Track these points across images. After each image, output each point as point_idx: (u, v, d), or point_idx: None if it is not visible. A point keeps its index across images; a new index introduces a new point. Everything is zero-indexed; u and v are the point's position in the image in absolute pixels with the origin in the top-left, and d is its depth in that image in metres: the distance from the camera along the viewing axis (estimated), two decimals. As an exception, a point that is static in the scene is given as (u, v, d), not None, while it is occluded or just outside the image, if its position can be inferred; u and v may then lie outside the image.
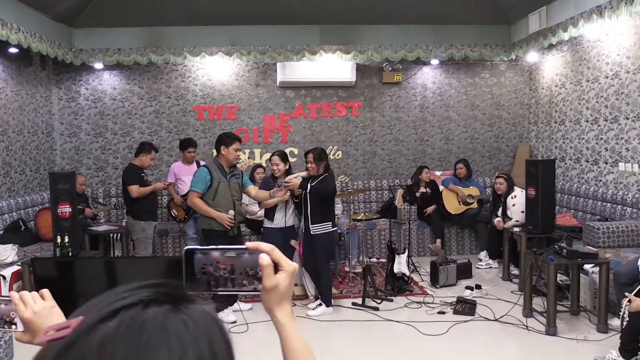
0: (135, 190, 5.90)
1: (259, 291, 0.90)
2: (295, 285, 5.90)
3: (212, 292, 0.91)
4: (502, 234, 6.48)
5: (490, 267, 6.92)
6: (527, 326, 4.83)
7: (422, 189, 7.34)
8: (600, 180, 6.71)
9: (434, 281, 6.20)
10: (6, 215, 6.23)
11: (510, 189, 6.56)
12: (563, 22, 6.41)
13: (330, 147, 8.48)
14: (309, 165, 5.24)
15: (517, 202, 6.36)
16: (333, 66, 8.05)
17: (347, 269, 6.67)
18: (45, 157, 7.75)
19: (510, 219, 6.42)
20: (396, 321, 5.11)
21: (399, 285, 5.94)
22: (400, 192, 6.41)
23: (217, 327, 0.59)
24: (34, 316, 1.10)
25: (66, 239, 4.60)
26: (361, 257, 7.09)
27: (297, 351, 0.92)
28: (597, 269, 4.87)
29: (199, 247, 0.90)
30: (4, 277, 4.61)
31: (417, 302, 5.61)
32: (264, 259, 0.87)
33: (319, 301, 5.37)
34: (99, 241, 6.67)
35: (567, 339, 4.57)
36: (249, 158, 8.26)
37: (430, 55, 7.88)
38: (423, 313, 5.33)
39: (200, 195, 4.99)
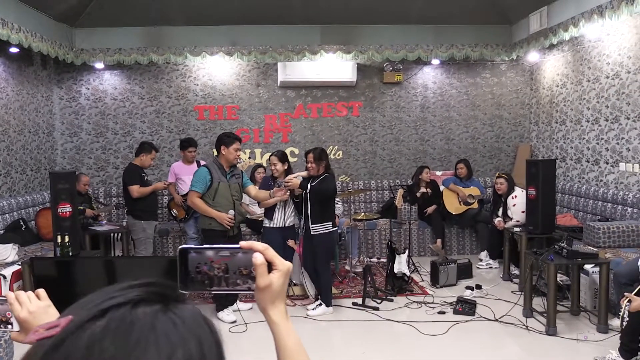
0: (135, 190, 5.91)
1: (252, 290, 0.90)
2: (295, 285, 5.91)
3: (206, 291, 0.91)
4: (503, 234, 6.48)
5: (491, 267, 6.91)
6: (527, 326, 4.82)
7: (423, 189, 7.33)
8: (601, 180, 6.71)
9: (435, 281, 6.20)
10: (7, 214, 6.23)
11: (510, 189, 6.55)
12: (564, 22, 6.40)
13: (331, 147, 8.48)
14: (309, 165, 5.24)
15: (517, 202, 6.35)
16: (334, 66, 8.04)
17: (347, 268, 6.67)
18: (46, 156, 7.76)
19: (511, 219, 6.42)
20: (396, 321, 5.11)
21: (399, 285, 5.94)
22: (400, 192, 6.41)
23: (207, 327, 0.59)
24: (30, 316, 1.11)
25: (66, 239, 4.60)
26: (361, 257, 7.09)
27: (290, 349, 0.92)
28: (597, 269, 4.87)
29: (193, 246, 0.90)
30: (4, 277, 4.61)
31: (417, 302, 5.60)
32: (258, 258, 0.87)
33: (319, 301, 5.37)
34: (99, 241, 6.67)
35: (567, 339, 4.56)
36: (249, 158, 8.27)
37: (431, 55, 7.88)
38: (423, 313, 5.33)
39: (200, 195, 4.99)
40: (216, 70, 8.28)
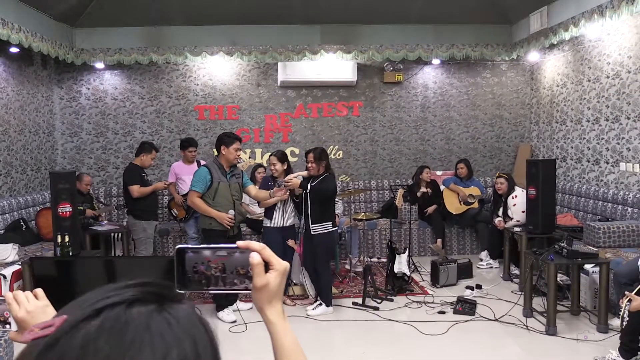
0: (136, 190, 5.91)
1: (249, 290, 0.90)
2: (295, 284, 5.91)
3: (203, 291, 0.91)
4: (503, 234, 6.48)
5: (491, 267, 6.91)
6: (527, 326, 4.82)
7: (423, 189, 7.33)
8: (601, 180, 6.70)
9: (435, 281, 6.20)
10: (7, 214, 6.24)
11: (511, 189, 6.55)
12: (564, 22, 6.40)
13: (331, 146, 8.48)
14: (309, 165, 5.24)
15: (517, 202, 6.35)
16: (334, 66, 8.04)
17: (347, 268, 6.67)
18: (47, 156, 7.76)
19: (511, 218, 6.42)
20: (396, 321, 5.11)
21: (400, 285, 5.94)
22: (400, 192, 6.41)
23: (202, 327, 0.59)
24: (28, 315, 1.11)
25: (66, 239, 4.60)
26: (362, 257, 7.09)
27: (287, 349, 0.92)
28: (597, 269, 4.87)
29: (190, 246, 0.90)
30: (5, 277, 4.61)
31: (417, 302, 5.60)
32: (254, 258, 0.87)
33: (319, 301, 5.37)
34: (99, 241, 6.67)
35: (567, 339, 4.56)
36: (249, 158, 8.27)
37: (431, 55, 7.87)
38: (423, 313, 5.33)
39: (200, 195, 4.99)
40: (216, 70, 8.28)
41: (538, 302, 5.13)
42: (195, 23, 7.50)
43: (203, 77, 8.30)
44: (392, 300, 5.67)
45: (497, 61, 8.51)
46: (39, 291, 1.16)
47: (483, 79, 8.66)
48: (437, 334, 4.76)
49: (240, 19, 7.44)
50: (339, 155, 8.54)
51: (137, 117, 8.27)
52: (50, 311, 1.14)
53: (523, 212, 6.04)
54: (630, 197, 5.96)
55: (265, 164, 7.47)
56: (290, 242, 5.50)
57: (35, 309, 1.12)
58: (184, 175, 6.55)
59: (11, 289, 4.55)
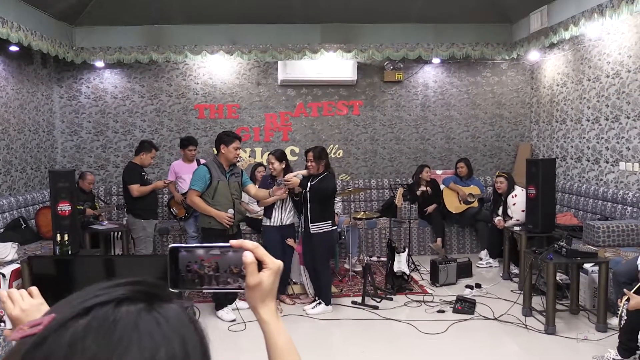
0: (136, 189, 5.90)
1: (243, 289, 0.90)
2: (295, 283, 5.91)
3: (196, 290, 0.91)
4: (503, 233, 6.48)
5: (491, 266, 6.91)
6: (526, 325, 4.82)
7: (423, 188, 7.34)
8: (601, 180, 6.70)
9: (434, 280, 6.20)
10: (7, 213, 6.24)
11: (510, 188, 6.55)
12: (564, 21, 6.39)
13: (332, 145, 8.47)
14: (309, 163, 5.24)
15: (517, 201, 6.35)
16: (334, 65, 8.04)
17: (347, 267, 6.67)
18: (46, 155, 7.76)
19: (511, 218, 6.41)
20: (396, 320, 5.11)
21: (399, 284, 5.94)
22: (400, 190, 6.41)
23: (192, 326, 0.59)
24: (22, 314, 1.11)
25: (66, 237, 4.61)
26: (361, 256, 7.09)
27: (281, 348, 0.92)
28: (596, 268, 4.86)
29: (183, 245, 0.90)
30: (4, 275, 4.62)
31: (416, 301, 5.60)
32: (247, 257, 0.87)
33: (318, 300, 5.37)
34: (99, 239, 6.68)
35: (566, 338, 4.56)
36: (249, 157, 8.28)
37: (431, 54, 7.87)
38: (422, 312, 5.33)
39: (199, 194, 4.99)
40: (216, 68, 8.28)
41: (537, 301, 5.13)
42: (195, 22, 7.50)
43: (203, 76, 8.30)
44: (391, 299, 5.67)
45: (498, 60, 8.51)
46: (34, 289, 1.16)
47: (483, 78, 8.65)
48: (436, 333, 4.76)
49: (241, 17, 7.44)
50: (339, 154, 8.54)
51: (137, 115, 8.27)
52: (45, 309, 1.14)
53: (523, 211, 6.04)
54: (629, 197, 5.96)
55: (265, 163, 7.47)
56: (290, 241, 5.50)
57: (30, 307, 1.12)
58: (184, 174, 6.55)
59: (10, 288, 4.55)
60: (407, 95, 8.58)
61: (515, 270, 6.35)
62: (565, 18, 6.37)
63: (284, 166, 5.45)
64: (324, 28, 7.72)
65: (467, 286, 5.88)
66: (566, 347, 4.41)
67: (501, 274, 6.47)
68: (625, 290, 3.70)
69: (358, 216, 6.75)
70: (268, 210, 5.44)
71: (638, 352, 3.80)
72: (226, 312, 5.18)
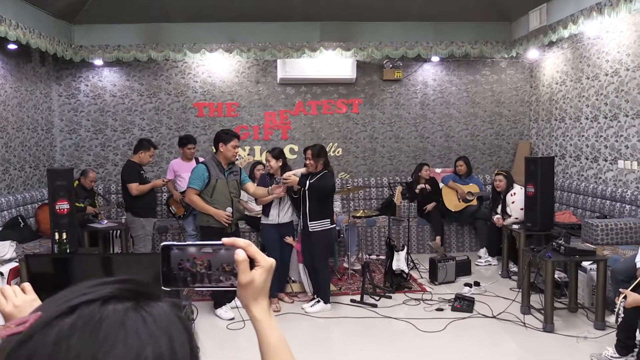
0: (135, 188, 5.90)
1: (235, 287, 0.90)
2: (294, 281, 5.92)
3: (188, 288, 0.91)
4: (502, 231, 6.48)
5: (490, 264, 6.91)
6: (524, 323, 4.83)
7: (422, 185, 7.34)
8: (600, 178, 6.70)
9: (433, 278, 6.20)
10: (5, 211, 6.24)
11: (509, 186, 6.55)
12: (563, 20, 6.39)
13: (331, 144, 8.47)
14: (307, 161, 5.24)
15: (516, 199, 6.36)
16: (333, 63, 8.03)
17: (346, 265, 6.67)
18: (45, 153, 7.76)
19: (510, 216, 6.42)
20: (394, 318, 5.11)
21: (398, 282, 5.94)
22: (399, 189, 6.41)
23: (180, 324, 0.59)
24: (15, 310, 1.11)
25: (64, 236, 4.60)
26: (360, 254, 7.09)
27: (273, 346, 0.92)
28: (595, 266, 4.86)
29: (175, 242, 0.90)
30: (2, 274, 4.62)
31: (415, 299, 5.60)
32: (239, 255, 0.87)
33: (317, 298, 5.37)
34: (98, 238, 6.67)
35: (564, 335, 4.56)
36: (248, 155, 8.28)
37: (430, 52, 7.86)
38: (421, 310, 5.33)
39: (198, 192, 4.98)
40: (215, 67, 8.27)
41: (536, 299, 5.12)
42: (194, 20, 7.49)
43: (202, 74, 8.29)
44: (390, 297, 5.67)
45: (497, 59, 8.50)
46: (27, 285, 1.16)
47: (482, 77, 8.65)
48: (435, 331, 4.76)
49: (239, 15, 7.43)
50: (338, 152, 8.53)
51: (136, 114, 8.26)
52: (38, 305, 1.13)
53: (521, 209, 6.04)
54: (628, 195, 5.96)
55: (264, 162, 7.47)
56: (289, 240, 5.49)
57: (23, 303, 1.12)
58: (183, 172, 6.54)
59: (9, 286, 4.55)
60: (407, 93, 8.58)
61: (514, 268, 6.36)
62: (564, 16, 6.36)
63: (280, 164, 5.44)
64: (323, 26, 7.71)
65: (466, 284, 5.89)
66: (564, 345, 4.41)
67: (500, 272, 6.48)
68: (621, 289, 3.69)
69: (357, 214, 6.74)
70: (266, 209, 5.43)
71: (636, 349, 3.81)
72: (225, 311, 5.18)
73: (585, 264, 5.11)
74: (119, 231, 6.84)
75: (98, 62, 7.84)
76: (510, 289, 5.89)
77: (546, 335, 4.61)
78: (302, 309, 5.33)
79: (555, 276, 4.98)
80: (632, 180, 6.09)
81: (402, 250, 5.97)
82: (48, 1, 6.44)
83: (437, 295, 5.69)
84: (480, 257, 7.03)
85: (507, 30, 7.91)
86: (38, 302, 1.14)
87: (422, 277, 6.41)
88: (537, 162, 5.68)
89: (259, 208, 6.18)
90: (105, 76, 8.20)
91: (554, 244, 4.83)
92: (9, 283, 4.57)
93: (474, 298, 5.39)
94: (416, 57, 8.05)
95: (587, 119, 6.96)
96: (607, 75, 6.50)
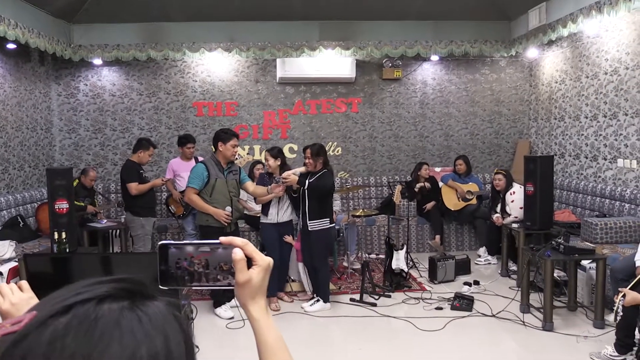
0: (134, 187, 5.90)
1: (232, 286, 0.90)
2: (293, 281, 5.91)
3: (186, 287, 0.91)
4: (501, 230, 6.48)
5: (489, 263, 6.92)
6: (524, 322, 4.83)
7: (421, 183, 7.34)
8: (599, 177, 6.70)
9: (432, 277, 6.20)
10: (4, 211, 6.24)
11: (509, 185, 6.55)
12: (562, 18, 6.38)
13: (330, 143, 8.47)
14: (307, 161, 5.24)
15: (515, 198, 6.36)
16: (333, 62, 8.03)
17: (345, 264, 6.67)
18: (44, 153, 7.76)
19: (509, 215, 6.42)
20: (394, 317, 5.12)
21: (397, 281, 5.94)
22: (398, 188, 6.41)
23: (176, 324, 0.59)
24: (12, 308, 1.10)
25: (63, 235, 4.60)
26: (360, 253, 7.09)
27: (271, 345, 0.92)
28: (594, 265, 4.86)
29: (173, 241, 0.90)
30: (1, 273, 4.62)
31: (414, 298, 5.61)
32: (237, 254, 0.87)
33: (316, 297, 5.37)
34: (97, 237, 6.67)
35: (563, 334, 4.56)
36: (248, 154, 8.28)
37: (430, 51, 7.86)
38: (420, 309, 5.33)
39: (197, 192, 4.98)
40: (215, 66, 8.27)
41: (535, 298, 5.12)
42: (193, 19, 7.48)
43: (201, 74, 8.29)
44: (389, 296, 5.67)
45: (496, 57, 8.50)
46: (24, 283, 1.16)
47: (482, 76, 8.65)
48: (434, 330, 4.77)
49: (239, 15, 7.42)
50: (337, 151, 8.53)
51: (135, 113, 8.26)
52: (35, 303, 1.13)
53: (521, 208, 6.04)
54: (627, 193, 5.96)
55: (263, 161, 7.47)
56: (288, 239, 5.49)
57: (20, 301, 1.12)
58: (182, 171, 6.54)
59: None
60: (406, 92, 8.58)
61: (513, 267, 6.36)
62: (563, 15, 6.36)
63: (279, 163, 5.43)
64: (323, 25, 7.70)
65: (466, 283, 5.89)
66: (564, 343, 4.41)
67: (499, 271, 6.48)
68: (620, 289, 3.69)
69: (356, 214, 6.74)
70: (265, 208, 5.44)
71: (635, 348, 3.81)
72: (224, 310, 5.18)
73: (584, 262, 5.11)
74: (118, 230, 6.83)
75: (97, 61, 7.84)
76: (509, 287, 5.89)
77: (545, 334, 4.61)
78: (302, 308, 5.34)
79: (555, 275, 4.98)
80: (631, 179, 6.10)
81: (401, 249, 5.97)
82: (47, 0, 6.44)
83: (437, 294, 5.69)
84: (479, 256, 7.03)
85: (507, 29, 7.91)
86: (35, 300, 1.14)
87: (421, 276, 6.41)
88: (536, 161, 5.68)
89: (258, 207, 6.18)
90: (105, 75, 8.19)
91: (553, 242, 4.83)
92: (8, 283, 4.57)
93: (473, 297, 5.39)
94: (415, 56, 8.04)
95: (586, 117, 6.96)
96: (606, 74, 6.50)
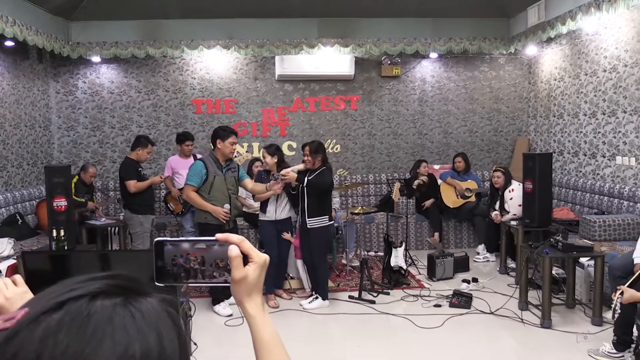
0: (133, 185, 5.89)
1: (229, 283, 0.90)
2: (292, 278, 5.92)
3: (182, 284, 0.91)
4: (500, 228, 6.48)
5: (488, 261, 6.92)
6: (522, 319, 4.83)
7: (419, 180, 7.34)
8: (598, 174, 6.70)
9: (431, 274, 6.20)
10: (3, 208, 6.23)
11: (507, 183, 6.55)
12: (561, 16, 6.38)
13: (329, 140, 8.46)
14: (305, 158, 5.24)
15: (514, 195, 6.36)
16: (331, 60, 8.02)
17: (344, 262, 6.67)
18: (43, 150, 7.75)
19: (508, 212, 6.42)
20: (392, 314, 5.12)
21: (396, 279, 5.94)
22: (397, 185, 6.41)
23: (169, 320, 0.58)
24: (7, 302, 1.10)
25: (62, 233, 4.60)
26: (359, 251, 7.09)
27: (267, 342, 0.92)
28: (592, 262, 4.87)
29: (169, 238, 0.90)
30: (0, 271, 4.61)
31: (413, 295, 5.61)
32: (233, 251, 0.87)
33: (315, 295, 5.37)
34: (96, 235, 6.67)
35: (561, 331, 4.57)
36: (247, 152, 8.27)
37: (429, 48, 7.85)
38: (419, 306, 5.34)
39: (195, 189, 4.98)
40: (213, 63, 8.26)
41: (534, 295, 5.13)
42: (191, 16, 7.47)
43: (200, 71, 8.28)
44: (388, 293, 5.67)
45: (495, 55, 8.50)
46: (18, 277, 1.16)
47: (481, 73, 8.64)
48: (432, 327, 4.77)
49: (237, 12, 7.41)
50: (336, 149, 8.53)
51: (134, 111, 8.25)
52: (29, 297, 1.13)
53: (520, 205, 6.05)
54: (626, 191, 5.96)
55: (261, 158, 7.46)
56: (287, 236, 5.49)
57: (14, 295, 1.12)
58: (181, 169, 6.53)
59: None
60: (405, 90, 8.57)
61: (512, 264, 6.37)
62: (562, 12, 6.36)
63: (276, 160, 5.42)
64: (321, 23, 7.69)
65: (464, 280, 5.90)
66: (562, 340, 4.42)
67: (498, 268, 6.48)
68: (617, 286, 3.70)
69: (355, 211, 6.74)
70: (263, 205, 5.44)
71: (633, 345, 3.81)
72: (223, 307, 5.18)
73: (582, 260, 5.11)
74: (117, 228, 6.83)
75: (95, 58, 7.82)
76: (508, 285, 5.89)
77: (544, 331, 4.62)
78: (300, 305, 5.34)
79: (553, 272, 4.98)
80: (629, 177, 6.10)
81: (400, 246, 5.97)
82: (45, -2, 6.43)
83: (435, 291, 5.70)
84: (478, 254, 7.03)
85: (506, 26, 7.90)
86: (29, 295, 1.13)
87: (420, 274, 6.42)
88: (535, 159, 5.68)
89: (257, 205, 6.18)
90: (103, 73, 8.18)
91: (551, 240, 4.84)
92: (6, 280, 4.56)
93: (471, 294, 5.40)
94: (414, 54, 8.04)
95: (585, 115, 6.96)
96: (605, 71, 6.50)
